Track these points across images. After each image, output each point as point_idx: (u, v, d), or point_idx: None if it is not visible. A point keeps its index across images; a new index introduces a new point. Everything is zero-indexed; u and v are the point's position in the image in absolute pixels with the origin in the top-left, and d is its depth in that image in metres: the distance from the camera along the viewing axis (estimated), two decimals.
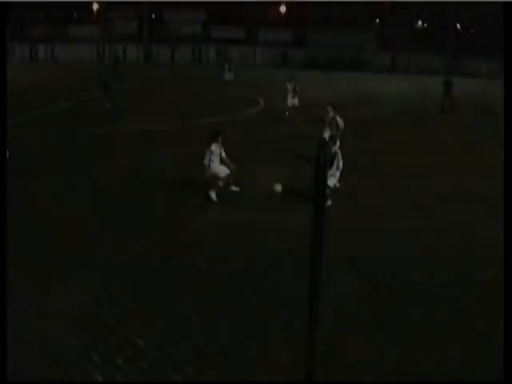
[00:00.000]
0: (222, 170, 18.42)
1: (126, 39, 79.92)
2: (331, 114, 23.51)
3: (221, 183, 18.60)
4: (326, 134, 22.62)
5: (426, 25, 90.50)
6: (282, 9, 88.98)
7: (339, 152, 17.97)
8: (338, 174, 17.86)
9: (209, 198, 18.18)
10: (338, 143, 18.30)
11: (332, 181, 17.59)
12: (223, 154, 18.48)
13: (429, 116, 37.88)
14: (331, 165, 17.41)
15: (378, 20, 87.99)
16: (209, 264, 13.50)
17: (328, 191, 17.11)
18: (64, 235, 15.17)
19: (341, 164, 17.83)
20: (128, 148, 26.06)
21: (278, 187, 18.44)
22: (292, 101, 34.58)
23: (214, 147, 18.21)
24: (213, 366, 9.41)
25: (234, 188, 18.93)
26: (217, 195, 18.21)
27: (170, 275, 12.83)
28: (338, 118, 23.34)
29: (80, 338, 10.21)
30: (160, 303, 11.48)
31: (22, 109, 35.41)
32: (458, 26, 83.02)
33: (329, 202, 16.69)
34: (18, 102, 39.01)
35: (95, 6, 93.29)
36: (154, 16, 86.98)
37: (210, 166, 18.14)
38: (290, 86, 34.82)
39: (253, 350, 9.92)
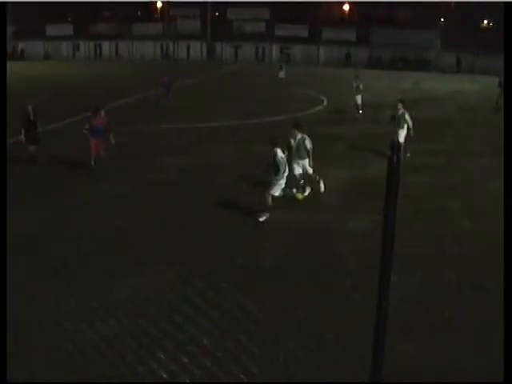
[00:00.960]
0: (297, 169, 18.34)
1: (189, 37, 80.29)
2: (401, 110, 23.63)
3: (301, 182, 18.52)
4: (402, 134, 22.95)
5: (491, 24, 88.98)
6: (346, 7, 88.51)
7: None
8: None
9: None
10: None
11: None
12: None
13: (489, 116, 37.22)
14: None
15: (442, 19, 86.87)
16: (273, 264, 13.46)
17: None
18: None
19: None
20: (188, 145, 26.17)
21: (299, 196, 18.34)
22: (356, 98, 34.76)
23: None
24: (279, 370, 9.32)
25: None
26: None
27: (231, 274, 12.79)
28: (407, 115, 23.48)
29: (146, 334, 10.23)
30: (227, 301, 11.43)
31: (87, 105, 35.87)
32: None
33: None
34: (84, 98, 39.63)
35: (159, 4, 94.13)
36: (217, 14, 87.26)
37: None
38: (355, 84, 34.89)
39: (318, 351, 9.81)
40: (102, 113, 21.17)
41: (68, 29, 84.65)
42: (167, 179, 20.53)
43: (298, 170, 18.35)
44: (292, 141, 18.11)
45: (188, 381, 9.09)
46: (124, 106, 38.07)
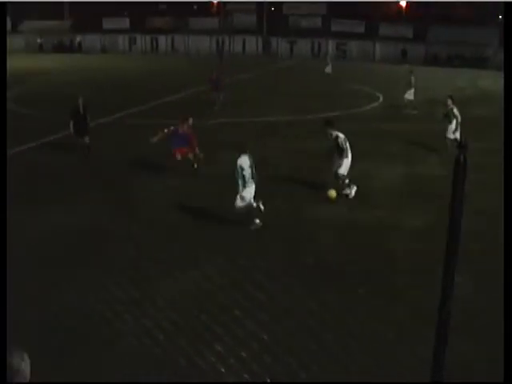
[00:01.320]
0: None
1: (245, 32, 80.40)
2: (450, 106, 23.93)
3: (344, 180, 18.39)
4: (456, 133, 23.17)
5: None
6: (403, 4, 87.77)
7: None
8: None
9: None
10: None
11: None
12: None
13: None
14: None
15: (500, 16, 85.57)
16: (335, 261, 13.46)
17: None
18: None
19: None
20: (243, 139, 26.19)
21: (332, 193, 17.82)
22: (408, 94, 34.70)
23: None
24: (337, 366, 9.30)
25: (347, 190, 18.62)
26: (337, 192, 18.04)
27: (290, 270, 12.81)
28: (455, 110, 23.78)
29: (208, 329, 10.29)
30: (289, 298, 11.43)
31: (144, 99, 36.29)
32: None
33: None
34: (140, 91, 39.96)
35: None
36: (273, 9, 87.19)
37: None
38: (410, 80, 34.82)
39: (378, 350, 9.78)
40: (190, 121, 20.48)
41: (124, 22, 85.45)
42: (223, 173, 20.63)
43: (342, 170, 18.02)
44: (340, 137, 17.84)
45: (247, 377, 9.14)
46: (179, 100, 38.33)
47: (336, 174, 18.11)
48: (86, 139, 23.09)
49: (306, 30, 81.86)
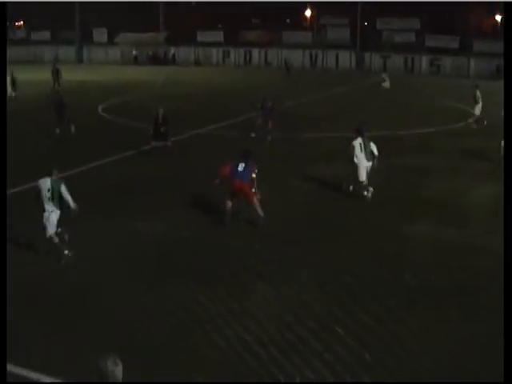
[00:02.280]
0: None
1: (338, 46, 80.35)
2: None
3: None
4: None
5: None
6: (498, 18, 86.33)
7: None
8: None
9: None
10: None
11: None
12: None
13: None
14: None
15: None
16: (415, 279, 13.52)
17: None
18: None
19: None
20: (334, 154, 26.32)
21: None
22: (475, 109, 34.50)
23: None
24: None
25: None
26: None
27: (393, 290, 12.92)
28: None
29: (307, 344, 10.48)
30: (386, 313, 11.54)
31: (236, 111, 36.83)
32: None
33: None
34: (233, 104, 40.42)
35: (308, 13, 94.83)
36: (366, 23, 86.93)
37: None
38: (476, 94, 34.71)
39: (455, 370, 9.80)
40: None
41: (219, 36, 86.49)
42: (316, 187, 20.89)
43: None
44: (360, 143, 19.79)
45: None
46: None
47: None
48: (165, 142, 25.82)
49: (399, 45, 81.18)
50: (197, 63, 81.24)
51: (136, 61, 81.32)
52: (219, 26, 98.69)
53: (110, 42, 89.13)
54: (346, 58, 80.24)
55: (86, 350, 9.97)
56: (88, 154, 25.32)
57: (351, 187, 20.08)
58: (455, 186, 20.89)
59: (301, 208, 18.98)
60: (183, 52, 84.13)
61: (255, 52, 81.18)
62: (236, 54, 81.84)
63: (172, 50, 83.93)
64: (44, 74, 61.54)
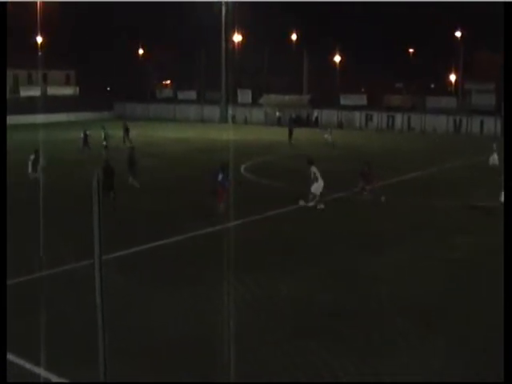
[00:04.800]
0: None
1: (483, 113, 78.97)
2: None
3: None
4: None
5: None
6: None
7: None
8: None
9: None
10: None
11: None
12: None
13: None
14: None
15: None
16: None
17: None
18: None
19: None
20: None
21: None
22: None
23: None
24: None
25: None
26: None
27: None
28: None
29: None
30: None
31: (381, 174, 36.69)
32: None
33: None
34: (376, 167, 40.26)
35: (453, 78, 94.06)
36: None
37: None
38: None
39: None
40: None
41: (362, 99, 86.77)
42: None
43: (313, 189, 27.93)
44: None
45: None
46: (418, 178, 38.40)
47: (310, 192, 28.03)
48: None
49: None
50: (339, 126, 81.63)
51: (279, 122, 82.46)
52: (362, 89, 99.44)
53: (254, 102, 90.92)
54: (491, 124, 78.65)
55: None
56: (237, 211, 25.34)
57: None
58: None
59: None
60: (326, 114, 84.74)
61: (398, 116, 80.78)
62: (379, 118, 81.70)
63: (315, 113, 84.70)
64: (186, 133, 63.61)
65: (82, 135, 48.63)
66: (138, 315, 15.41)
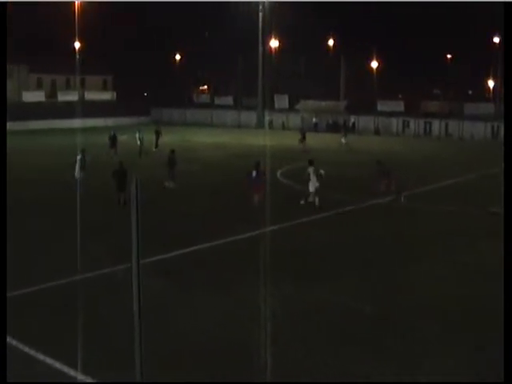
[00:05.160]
0: None
1: None
2: None
3: None
4: None
5: None
6: None
7: None
8: None
9: None
10: None
11: None
12: None
13: None
14: None
15: None
16: None
17: None
18: None
19: None
20: None
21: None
22: None
23: None
24: None
25: None
26: None
27: None
28: None
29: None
30: None
31: (419, 181, 36.48)
32: None
33: None
34: (412, 174, 40.08)
35: (491, 84, 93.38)
36: None
37: None
38: None
39: None
40: None
41: (399, 105, 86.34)
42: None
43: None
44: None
45: None
46: (455, 185, 38.15)
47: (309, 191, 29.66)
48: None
49: None
50: (376, 132, 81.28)
51: (316, 128, 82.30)
52: (399, 95, 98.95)
53: (291, 108, 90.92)
54: None
55: None
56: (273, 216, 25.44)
57: None
58: None
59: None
60: (363, 120, 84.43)
61: (435, 123, 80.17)
62: (416, 125, 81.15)
63: (352, 119, 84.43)
64: (223, 138, 63.73)
65: (109, 139, 49.45)
66: (176, 319, 15.51)
